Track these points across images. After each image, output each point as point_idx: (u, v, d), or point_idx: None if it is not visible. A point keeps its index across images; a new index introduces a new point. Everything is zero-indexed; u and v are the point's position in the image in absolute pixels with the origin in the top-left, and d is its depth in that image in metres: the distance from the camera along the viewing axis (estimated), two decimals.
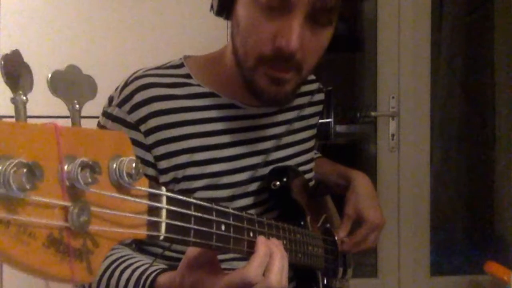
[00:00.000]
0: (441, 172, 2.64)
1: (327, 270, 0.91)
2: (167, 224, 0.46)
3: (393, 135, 2.21)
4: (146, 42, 1.66)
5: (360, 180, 1.01)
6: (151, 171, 0.78)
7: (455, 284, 2.28)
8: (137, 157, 0.76)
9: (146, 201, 0.43)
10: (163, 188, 0.47)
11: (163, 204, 0.46)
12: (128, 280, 0.72)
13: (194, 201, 0.51)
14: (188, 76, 0.84)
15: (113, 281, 0.73)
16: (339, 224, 1.01)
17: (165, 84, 0.81)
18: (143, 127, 0.77)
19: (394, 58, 2.20)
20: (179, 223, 0.48)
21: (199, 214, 0.51)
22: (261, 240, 0.62)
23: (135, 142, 0.77)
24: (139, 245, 0.85)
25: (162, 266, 0.73)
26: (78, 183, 0.35)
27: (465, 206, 2.81)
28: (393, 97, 2.21)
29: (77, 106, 0.38)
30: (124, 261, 0.76)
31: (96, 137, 0.38)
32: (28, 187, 0.31)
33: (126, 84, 0.80)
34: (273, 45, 0.71)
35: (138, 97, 0.78)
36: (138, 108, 0.77)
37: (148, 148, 0.78)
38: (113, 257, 0.77)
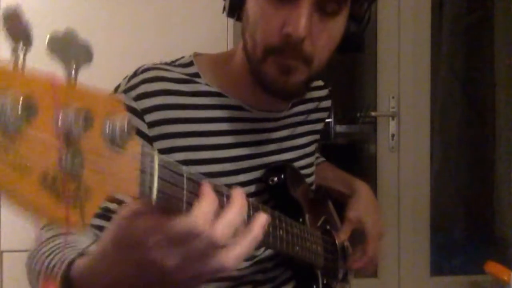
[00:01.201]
0: (441, 172, 2.63)
1: (327, 270, 0.91)
2: (158, 185, 0.47)
3: (393, 135, 2.21)
4: (146, 43, 1.66)
5: (364, 190, 1.02)
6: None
7: (455, 284, 2.28)
8: None
9: (138, 159, 0.45)
10: (156, 151, 0.48)
11: (155, 166, 0.47)
12: (58, 260, 0.64)
13: (187, 169, 0.52)
14: (196, 75, 0.83)
15: (48, 259, 0.66)
16: (339, 228, 1.01)
17: (173, 79, 0.80)
18: (147, 118, 0.77)
19: (394, 58, 2.20)
20: (171, 186, 0.49)
21: (192, 183, 0.52)
22: (206, 185, 0.53)
23: (137, 131, 0.77)
24: None
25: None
26: (72, 130, 0.37)
27: (465, 206, 2.81)
28: (393, 97, 2.21)
29: (74, 67, 0.40)
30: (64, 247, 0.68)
31: (91, 94, 0.40)
32: (24, 117, 0.33)
33: (135, 74, 0.80)
34: (280, 33, 0.71)
35: (144, 88, 0.78)
36: (143, 98, 0.77)
37: (150, 139, 0.78)
38: (55, 243, 0.70)
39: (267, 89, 0.77)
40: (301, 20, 0.70)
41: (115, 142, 0.41)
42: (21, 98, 0.33)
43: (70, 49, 0.40)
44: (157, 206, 0.49)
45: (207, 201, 0.51)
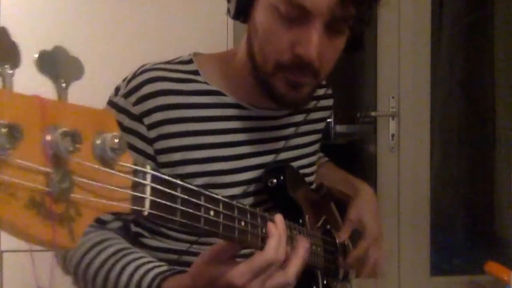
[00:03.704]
0: (441, 172, 2.63)
1: (327, 270, 0.91)
2: (151, 201, 0.47)
3: (393, 135, 2.21)
4: (145, 42, 1.66)
5: (367, 193, 1.03)
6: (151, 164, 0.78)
7: (455, 284, 2.28)
8: (138, 149, 0.78)
9: (130, 177, 0.45)
10: (148, 166, 0.47)
11: (148, 181, 0.47)
12: (131, 275, 0.71)
13: (180, 182, 0.52)
14: (196, 72, 0.84)
15: (114, 273, 0.73)
16: (340, 228, 1.01)
17: (173, 78, 0.81)
18: (146, 120, 0.78)
19: (394, 58, 2.20)
20: (164, 202, 0.49)
21: (186, 196, 0.52)
22: (272, 225, 0.65)
23: (137, 134, 0.78)
24: (138, 238, 0.85)
25: (165, 267, 0.72)
26: (60, 151, 0.36)
27: (465, 206, 2.81)
28: (393, 97, 2.21)
29: (64, 84, 0.39)
30: (126, 254, 0.75)
31: (81, 112, 0.40)
32: (8, 146, 0.33)
33: (134, 76, 0.81)
34: (292, 53, 0.72)
35: (144, 90, 0.78)
36: (143, 101, 0.78)
37: (150, 141, 0.78)
38: (113, 249, 0.76)
39: (276, 101, 0.79)
40: (312, 43, 0.71)
41: (106, 160, 0.41)
42: (4, 126, 0.33)
43: (59, 66, 0.39)
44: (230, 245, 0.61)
45: (277, 236, 0.64)
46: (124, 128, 0.78)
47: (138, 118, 0.78)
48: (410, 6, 2.19)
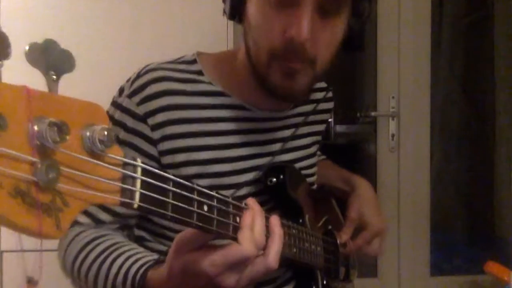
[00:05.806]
0: (441, 172, 2.63)
1: (327, 270, 0.91)
2: (141, 193, 0.46)
3: (393, 135, 2.21)
4: (146, 43, 1.66)
5: (364, 186, 1.02)
6: (154, 165, 0.78)
7: (455, 284, 2.28)
8: (142, 150, 0.77)
9: (119, 169, 0.44)
10: (138, 160, 0.47)
11: (138, 174, 0.46)
12: (120, 267, 0.71)
13: (172, 177, 0.51)
14: (200, 73, 0.83)
15: (105, 266, 0.73)
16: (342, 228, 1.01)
17: (177, 79, 0.80)
18: (150, 121, 0.77)
19: (394, 58, 2.20)
20: (154, 195, 0.48)
21: (178, 190, 0.51)
22: (247, 214, 0.61)
23: (141, 135, 0.78)
24: (141, 242, 0.85)
25: (154, 257, 0.71)
26: (47, 142, 0.36)
27: (465, 206, 2.81)
28: (393, 97, 2.21)
29: (54, 77, 0.40)
30: (118, 247, 0.75)
31: (70, 104, 0.40)
32: None
33: (138, 76, 0.80)
34: (283, 37, 0.71)
35: (149, 90, 0.78)
36: (148, 101, 0.77)
37: (154, 142, 0.78)
38: (108, 243, 0.76)
39: (273, 93, 0.78)
40: (303, 23, 0.70)
41: (95, 152, 0.41)
42: None
43: (50, 59, 0.39)
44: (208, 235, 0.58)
45: (249, 225, 0.60)
46: (128, 129, 0.78)
47: (142, 119, 0.77)
48: (410, 6, 2.19)
